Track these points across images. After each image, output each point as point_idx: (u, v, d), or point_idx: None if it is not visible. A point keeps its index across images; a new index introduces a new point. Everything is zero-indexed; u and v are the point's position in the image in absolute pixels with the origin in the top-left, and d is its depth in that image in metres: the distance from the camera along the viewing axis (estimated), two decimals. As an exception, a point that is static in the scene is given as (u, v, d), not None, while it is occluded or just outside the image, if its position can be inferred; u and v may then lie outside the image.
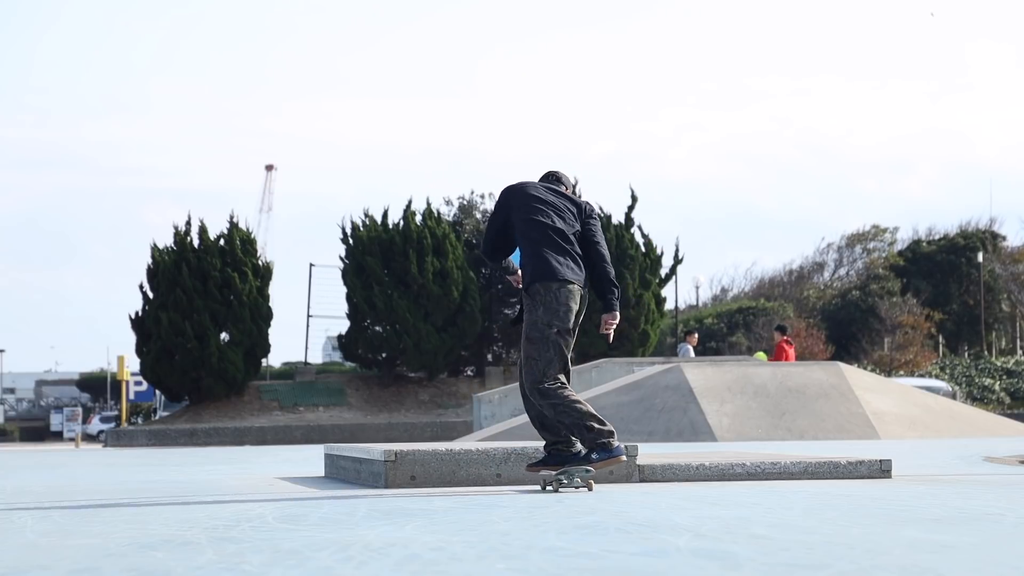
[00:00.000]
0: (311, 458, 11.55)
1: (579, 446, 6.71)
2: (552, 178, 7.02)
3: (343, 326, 36.78)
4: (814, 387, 18.40)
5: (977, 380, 40.31)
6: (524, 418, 18.12)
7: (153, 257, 34.09)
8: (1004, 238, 57.65)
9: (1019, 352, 52.06)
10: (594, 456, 6.58)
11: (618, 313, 6.71)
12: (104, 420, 61.77)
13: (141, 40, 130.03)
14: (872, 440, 16.74)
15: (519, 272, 6.90)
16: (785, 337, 24.05)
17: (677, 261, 38.42)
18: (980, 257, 51.44)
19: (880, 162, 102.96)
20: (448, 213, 38.56)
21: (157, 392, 44.55)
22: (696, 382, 18.15)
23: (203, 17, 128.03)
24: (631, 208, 37.40)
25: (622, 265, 36.14)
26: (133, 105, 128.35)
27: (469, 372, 38.46)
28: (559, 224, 6.72)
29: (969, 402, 35.80)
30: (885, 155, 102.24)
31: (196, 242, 34.26)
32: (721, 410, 17.64)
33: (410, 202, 36.21)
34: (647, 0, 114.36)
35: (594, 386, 20.31)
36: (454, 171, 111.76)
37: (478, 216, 38.91)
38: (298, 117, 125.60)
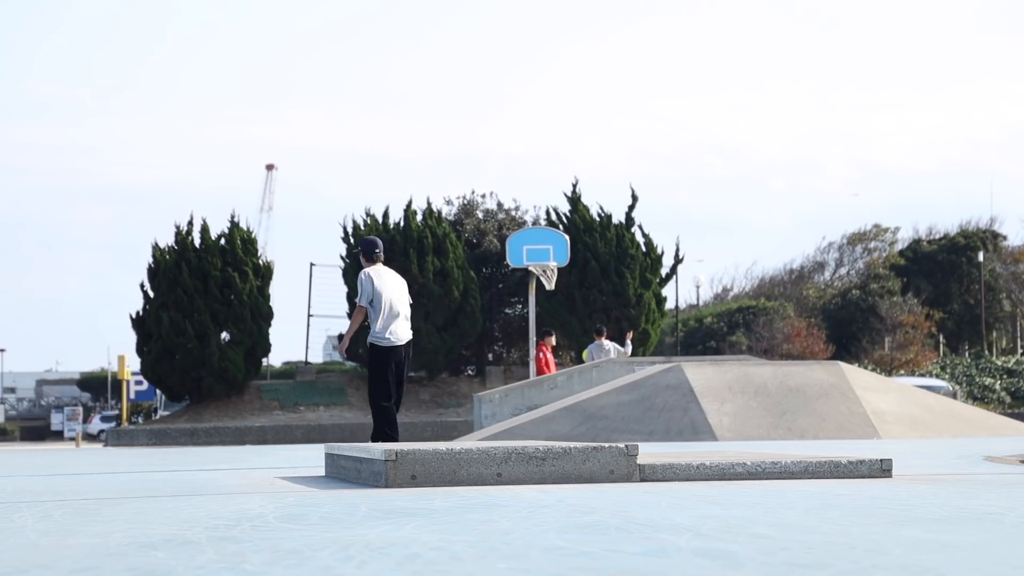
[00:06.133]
0: (311, 457, 11.54)
1: None
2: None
3: (344, 325, 36.77)
4: (815, 386, 18.38)
5: (978, 379, 40.30)
6: (525, 418, 18.11)
7: (154, 256, 34.09)
8: (1004, 237, 57.68)
9: (1020, 351, 52.05)
10: None
11: None
12: (105, 419, 61.79)
13: (145, 41, 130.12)
14: (872, 439, 16.73)
15: None
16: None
17: (677, 261, 38.42)
18: (981, 256, 51.45)
19: (881, 161, 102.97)
20: (449, 213, 38.55)
21: (158, 391, 44.57)
22: (696, 382, 18.14)
23: (206, 18, 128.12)
24: (631, 208, 37.40)
25: (622, 265, 36.14)
26: (135, 104, 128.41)
27: (470, 371, 38.45)
28: None
29: (970, 401, 35.79)
30: (887, 155, 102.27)
31: (197, 241, 34.26)
32: (721, 409, 17.62)
33: (411, 201, 36.21)
34: (642, 4, 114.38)
35: (594, 385, 20.28)
36: (455, 171, 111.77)
37: (479, 216, 38.91)
38: (299, 116, 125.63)
